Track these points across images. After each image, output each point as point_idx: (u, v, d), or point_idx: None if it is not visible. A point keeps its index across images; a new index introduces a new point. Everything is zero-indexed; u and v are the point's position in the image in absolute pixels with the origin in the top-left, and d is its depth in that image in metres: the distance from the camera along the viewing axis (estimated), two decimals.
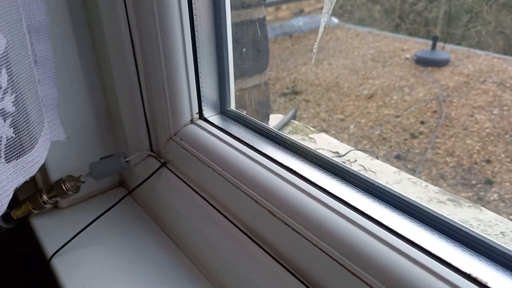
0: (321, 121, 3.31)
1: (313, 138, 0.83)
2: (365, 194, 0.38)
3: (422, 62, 4.16)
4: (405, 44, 4.82)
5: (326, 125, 3.23)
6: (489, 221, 0.59)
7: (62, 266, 0.53)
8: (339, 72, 4.17)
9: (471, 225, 0.57)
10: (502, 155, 2.86)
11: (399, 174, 0.71)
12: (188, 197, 0.52)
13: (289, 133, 0.86)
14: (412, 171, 2.77)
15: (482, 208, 0.64)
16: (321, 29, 0.45)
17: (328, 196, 0.38)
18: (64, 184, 0.57)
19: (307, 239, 0.37)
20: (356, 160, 0.76)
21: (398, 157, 2.94)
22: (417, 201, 0.35)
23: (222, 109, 0.55)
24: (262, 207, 0.42)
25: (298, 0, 5.18)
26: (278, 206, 0.40)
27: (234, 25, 0.69)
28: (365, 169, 0.72)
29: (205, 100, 0.53)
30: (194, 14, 0.48)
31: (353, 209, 0.36)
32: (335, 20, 5.71)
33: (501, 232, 0.57)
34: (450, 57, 4.21)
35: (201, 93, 0.52)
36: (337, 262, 0.34)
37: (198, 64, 0.51)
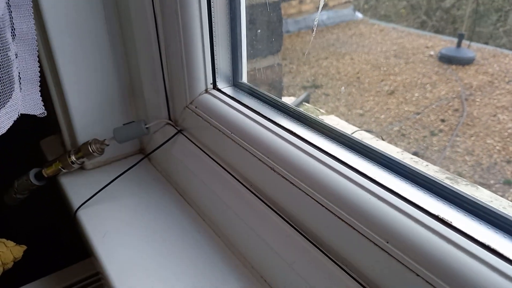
0: (340, 115, 3.32)
1: (322, 119, 0.86)
2: (351, 151, 0.43)
3: (446, 59, 4.09)
4: (430, 41, 4.75)
5: (345, 119, 3.24)
6: (484, 198, 0.62)
7: (86, 217, 0.60)
8: (360, 67, 4.16)
9: None
10: None
11: (402, 154, 0.74)
12: (200, 160, 0.57)
13: None
14: None
15: (479, 186, 0.66)
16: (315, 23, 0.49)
17: (320, 152, 0.42)
18: (90, 146, 0.63)
19: (303, 191, 0.42)
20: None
21: (416, 153, 2.93)
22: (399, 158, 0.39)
23: (235, 81, 0.60)
24: (265, 165, 0.47)
25: None
26: (279, 163, 0.45)
27: (250, 7, 0.73)
28: None
29: (219, 72, 0.58)
30: None
31: (344, 165, 0.41)
32: (359, 15, 5.66)
33: None
34: (475, 55, 4.12)
35: (216, 65, 0.57)
36: (330, 211, 0.39)
37: (213, 38, 0.55)
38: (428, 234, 0.31)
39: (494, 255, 0.29)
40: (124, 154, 0.73)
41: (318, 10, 5.24)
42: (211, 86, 0.59)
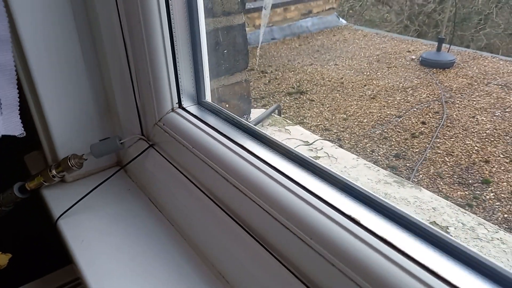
0: (324, 120, 3.40)
1: (288, 130, 0.93)
2: (292, 162, 0.49)
3: (427, 63, 4.21)
4: (412, 46, 4.88)
5: (329, 123, 3.32)
6: (425, 199, 0.69)
7: (66, 226, 0.65)
8: (344, 72, 4.26)
9: (408, 201, 0.67)
10: (501, 156, 2.92)
11: (357, 160, 0.81)
12: (168, 172, 0.63)
13: (268, 125, 0.97)
14: (410, 170, 2.85)
15: (422, 188, 0.73)
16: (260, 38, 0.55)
17: (264, 164, 0.49)
18: (69, 161, 0.69)
19: (253, 200, 0.48)
20: (322, 148, 0.86)
21: (397, 155, 3.02)
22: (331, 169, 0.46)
23: (199, 100, 0.67)
24: (220, 176, 0.53)
25: (307, 1, 5.26)
26: (231, 174, 0.51)
27: (216, 30, 0.80)
28: (328, 155, 0.82)
29: (183, 93, 0.65)
30: (172, 21, 0.59)
31: (282, 175, 0.47)
32: (343, 21, 5.78)
33: (432, 208, 0.67)
34: (455, 59, 4.24)
35: (180, 86, 0.64)
36: (270, 215, 0.45)
37: (177, 62, 0.62)
38: (341, 231, 0.38)
39: (390, 247, 0.36)
40: (102, 167, 0.79)
41: (302, 17, 5.34)
42: (177, 105, 0.65)
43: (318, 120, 3.56)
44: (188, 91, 0.66)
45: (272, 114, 1.00)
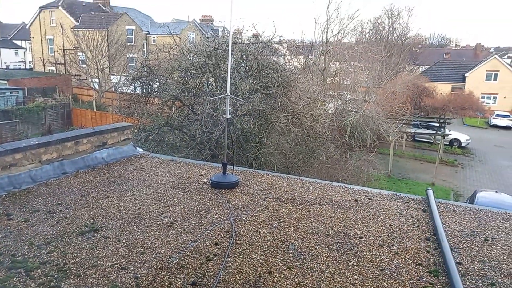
0: (120, 258, 3.24)
1: None
2: None
3: (217, 185, 4.71)
4: (204, 169, 5.41)
5: (126, 261, 3.18)
6: None
7: None
8: (142, 202, 4.29)
9: None
10: (280, 264, 3.34)
11: None
12: None
13: None
14: None
15: None
16: None
17: None
18: None
19: None
20: None
21: (194, 283, 3.09)
22: None
23: None
24: None
25: (98, 134, 5.33)
26: None
27: None
28: None
29: None
30: None
31: None
32: (140, 150, 6.03)
33: None
34: (239, 179, 4.91)
35: None
36: None
37: None
38: None
39: None
40: None
41: (96, 149, 5.35)
42: None
43: (113, 260, 3.40)
44: None
45: None
